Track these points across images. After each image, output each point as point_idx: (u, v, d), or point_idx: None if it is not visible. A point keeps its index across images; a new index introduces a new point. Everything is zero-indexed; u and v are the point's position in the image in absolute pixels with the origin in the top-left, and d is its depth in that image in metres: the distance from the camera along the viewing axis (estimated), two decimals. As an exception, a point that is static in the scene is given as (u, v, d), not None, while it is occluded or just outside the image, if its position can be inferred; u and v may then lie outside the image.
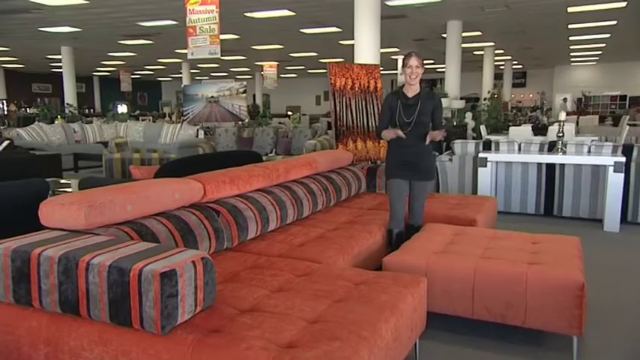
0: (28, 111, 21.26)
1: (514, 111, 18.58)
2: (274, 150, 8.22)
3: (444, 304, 2.77)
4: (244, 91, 11.97)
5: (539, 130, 9.26)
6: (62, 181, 4.46)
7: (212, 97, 12.10)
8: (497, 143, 5.97)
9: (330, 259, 2.88)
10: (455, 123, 11.25)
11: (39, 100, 25.45)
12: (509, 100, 19.77)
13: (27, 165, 7.20)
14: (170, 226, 2.57)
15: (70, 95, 16.92)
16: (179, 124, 10.83)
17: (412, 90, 3.51)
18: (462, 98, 12.90)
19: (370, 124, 5.94)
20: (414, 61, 3.42)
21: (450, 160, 6.07)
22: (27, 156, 7.36)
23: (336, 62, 5.79)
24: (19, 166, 7.04)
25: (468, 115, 11.94)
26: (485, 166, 5.58)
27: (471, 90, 20.28)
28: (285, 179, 3.79)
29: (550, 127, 8.48)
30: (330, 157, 4.54)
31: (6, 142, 7.22)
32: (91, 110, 25.50)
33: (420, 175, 3.56)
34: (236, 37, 14.21)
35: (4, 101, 24.53)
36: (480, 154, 5.61)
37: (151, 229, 2.46)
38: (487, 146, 6.01)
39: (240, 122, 11.79)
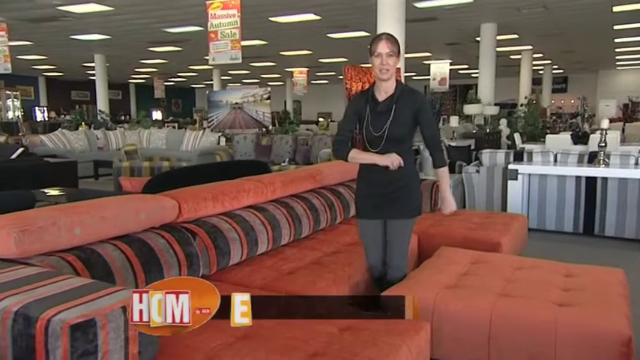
0: (67, 117, 21.71)
1: (553, 117, 17.66)
2: (288, 159, 7.84)
3: (454, 353, 2.31)
4: (268, 98, 11.70)
5: (580, 138, 8.56)
6: (52, 192, 4.22)
7: (236, 103, 11.89)
8: (530, 153, 5.41)
9: (321, 291, 2.46)
10: (488, 130, 10.63)
11: (77, 106, 26.06)
12: (548, 106, 18.83)
13: (41, 172, 7.07)
14: (129, 253, 2.21)
15: (102, 102, 17.12)
16: (201, 131, 10.63)
17: (384, 90, 2.45)
18: (497, 104, 12.25)
19: (390, 132, 5.49)
20: (383, 47, 2.35)
21: (477, 171, 5.55)
22: (41, 163, 7.25)
23: (352, 65, 5.38)
24: (33, 173, 6.91)
25: (503, 121, 11.29)
26: (516, 178, 5.04)
27: (508, 96, 19.43)
28: (282, 194, 3.39)
29: (592, 136, 7.80)
30: (339, 169, 4.12)
31: (20, 150, 7.13)
32: (127, 117, 25.92)
33: (396, 211, 2.57)
34: (263, 42, 13.98)
35: (45, 108, 25.25)
36: (510, 166, 5.08)
37: (103, 257, 2.10)
38: (519, 156, 5.46)
39: (263, 129, 11.52)
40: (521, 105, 13.76)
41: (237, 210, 2.99)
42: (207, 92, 12.92)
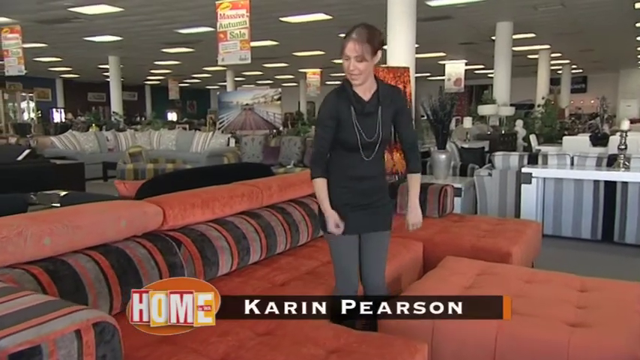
0: (81, 119, 21.90)
1: (572, 119, 17.23)
2: (297, 161, 7.68)
3: (455, 375, 2.11)
4: (279, 98, 11.56)
5: (599, 140, 8.25)
6: (45, 195, 4.12)
7: (247, 104, 11.78)
8: (545, 156, 5.17)
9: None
10: (503, 132, 10.34)
11: (94, 108, 26.30)
12: (566, 107, 18.37)
13: (47, 174, 7.01)
14: (105, 264, 2.07)
15: (116, 104, 17.18)
16: (211, 132, 10.54)
17: (368, 89, 2.12)
18: (513, 105, 11.94)
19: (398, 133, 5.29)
20: (351, 49, 1.99)
21: (490, 174, 5.32)
22: (47, 165, 7.20)
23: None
24: (39, 175, 6.85)
25: (519, 123, 10.99)
26: (530, 182, 4.81)
27: (525, 97, 19.03)
28: (279, 199, 3.22)
29: (612, 137, 7.50)
30: (342, 173, 3.94)
31: (27, 151, 7.09)
32: (142, 118, 26.06)
33: (378, 223, 2.27)
34: (275, 43, 13.87)
35: (63, 110, 25.53)
36: (524, 169, 4.84)
37: (74, 269, 1.96)
38: (533, 159, 5.22)
39: (274, 130, 11.38)
40: (538, 106, 13.42)
41: (229, 217, 2.83)
42: (217, 93, 12.82)
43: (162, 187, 2.91)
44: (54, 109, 25.11)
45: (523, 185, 4.85)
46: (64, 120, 23.52)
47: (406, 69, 5.57)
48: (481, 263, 2.86)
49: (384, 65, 6.50)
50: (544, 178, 5.02)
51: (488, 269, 2.76)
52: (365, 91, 2.13)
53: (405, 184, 4.21)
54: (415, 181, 2.35)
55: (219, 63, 9.52)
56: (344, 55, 2.03)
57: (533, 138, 9.30)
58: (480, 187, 5.37)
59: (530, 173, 4.83)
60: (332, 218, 2.15)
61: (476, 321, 2.11)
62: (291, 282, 2.57)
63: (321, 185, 2.16)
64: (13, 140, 10.16)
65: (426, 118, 5.84)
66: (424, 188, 4.07)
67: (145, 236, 2.36)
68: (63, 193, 3.84)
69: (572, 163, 5.09)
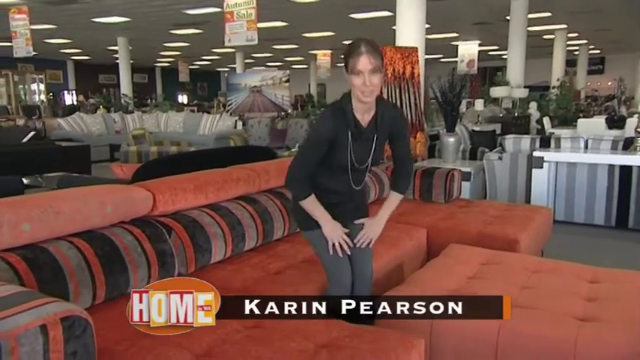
0: (91, 101, 21.92)
1: (588, 101, 16.82)
2: (298, 145, 7.54)
3: (455, 371, 2.01)
4: (287, 80, 11.40)
5: (616, 122, 8.00)
6: (41, 179, 4.06)
7: (255, 86, 11.64)
8: (557, 139, 4.98)
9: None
10: (516, 114, 10.09)
11: (104, 90, 26.30)
12: (582, 89, 17.92)
13: (52, 156, 6.98)
14: (88, 251, 1.97)
15: (125, 86, 17.10)
16: (218, 115, 10.43)
17: (366, 111, 2.00)
18: (528, 87, 11.63)
19: (406, 115, 5.14)
20: (366, 63, 1.87)
21: (500, 158, 5.15)
22: (53, 147, 7.16)
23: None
24: (44, 157, 6.82)
25: (533, 105, 10.70)
26: (542, 167, 4.64)
27: (540, 78, 18.60)
28: (277, 184, 3.10)
29: (629, 120, 7.25)
30: (345, 156, 3.81)
31: (32, 133, 7.05)
32: (153, 100, 26.00)
33: (360, 213, 2.22)
34: (284, 24, 13.63)
35: (74, 92, 25.55)
36: (536, 153, 4.67)
37: (54, 257, 1.87)
38: (546, 142, 5.04)
39: (282, 113, 11.25)
40: (553, 87, 13.08)
41: (224, 202, 2.72)
42: (225, 75, 12.68)
43: (160, 171, 2.81)
44: (65, 91, 25.12)
45: (534, 170, 4.69)
46: (75, 102, 23.54)
47: (414, 49, 5.38)
48: (486, 251, 2.73)
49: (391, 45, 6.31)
50: (556, 162, 4.85)
51: (494, 258, 2.64)
52: (364, 113, 2.00)
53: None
54: (395, 199, 2.23)
55: (226, 44, 9.37)
56: (355, 71, 1.89)
57: (546, 120, 9.06)
58: (490, 172, 5.21)
59: (542, 157, 4.66)
60: (337, 229, 2.06)
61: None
62: (286, 270, 2.47)
63: (313, 202, 2.04)
64: (21, 122, 10.15)
65: (435, 100, 5.67)
66: (430, 173, 3.94)
67: (133, 222, 2.27)
68: (60, 177, 3.77)
69: (586, 147, 4.90)
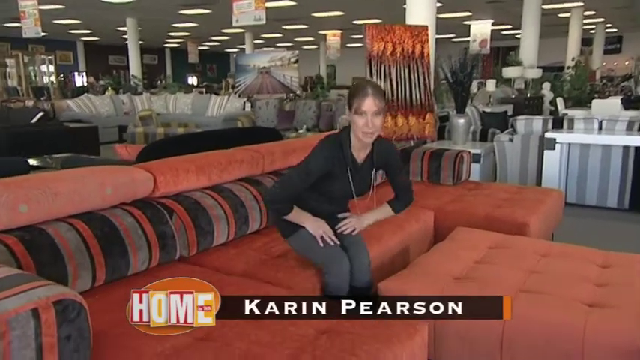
0: (100, 82, 21.92)
1: (603, 81, 16.46)
2: (305, 126, 7.47)
3: (459, 355, 1.97)
4: (296, 61, 11.28)
5: (632, 102, 7.81)
6: (48, 160, 4.05)
7: (263, 67, 11.53)
8: (571, 120, 4.86)
9: (309, 280, 2.15)
10: (528, 95, 9.90)
11: (114, 71, 26.26)
12: (597, 68, 17.52)
13: (61, 137, 7.00)
14: (87, 233, 1.95)
15: (135, 67, 17.04)
16: (226, 96, 10.37)
17: (364, 149, 2.09)
18: (541, 67, 11.39)
19: (414, 96, 5.04)
20: (370, 105, 1.93)
21: (511, 140, 5.04)
22: (61, 128, 7.17)
23: (374, 23, 4.91)
24: (52, 138, 6.84)
25: (546, 85, 10.49)
26: (553, 148, 4.54)
27: (554, 59, 18.21)
28: (282, 166, 3.06)
29: (645, 100, 7.07)
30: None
31: (40, 114, 7.04)
32: (163, 82, 25.92)
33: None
34: (293, 3, 13.43)
35: (85, 73, 25.56)
36: (547, 135, 4.56)
37: (53, 239, 1.85)
38: (558, 124, 4.92)
39: (290, 94, 11.15)
40: (568, 67, 12.80)
41: (227, 183, 2.69)
42: (234, 56, 12.58)
43: (164, 152, 2.78)
44: (76, 73, 25.12)
45: (546, 151, 4.59)
46: (85, 83, 23.56)
47: (424, 28, 5.25)
48: (494, 235, 2.67)
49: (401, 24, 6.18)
50: (569, 144, 4.74)
51: (502, 242, 2.58)
52: (360, 151, 2.09)
53: (417, 151, 4.01)
54: (387, 212, 2.31)
55: (234, 24, 9.24)
56: (359, 111, 1.95)
57: (560, 101, 8.88)
58: (500, 153, 5.11)
59: (554, 139, 4.55)
60: (320, 223, 2.11)
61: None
62: (287, 253, 2.42)
63: (295, 212, 2.11)
64: (30, 103, 10.17)
65: (445, 80, 5.56)
66: (439, 155, 3.86)
67: (134, 204, 2.24)
68: (64, 158, 3.75)
69: (600, 128, 4.78)
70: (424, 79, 5.09)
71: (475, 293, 1.98)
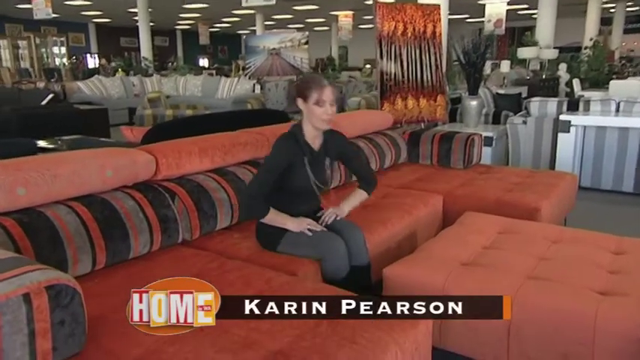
0: (112, 65, 21.91)
1: (622, 62, 16.04)
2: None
3: (464, 345, 1.92)
4: (306, 42, 11.13)
5: (651, 84, 7.57)
6: (57, 141, 4.02)
7: (274, 48, 11.40)
8: (587, 102, 4.73)
9: (312, 266, 2.11)
10: (544, 76, 9.67)
11: (126, 53, 26.21)
12: (616, 49, 17.06)
13: (71, 119, 7.00)
14: (87, 216, 1.92)
15: (145, 49, 16.96)
16: (236, 78, 10.29)
17: (317, 137, 2.23)
18: (558, 48, 11.11)
19: (425, 77, 4.94)
20: (328, 94, 2.11)
21: (524, 122, 4.92)
22: (71, 110, 7.16)
23: (384, 2, 4.78)
24: (62, 120, 6.84)
25: (562, 66, 10.24)
26: (568, 131, 4.42)
27: (571, 39, 17.77)
28: (288, 148, 3.01)
29: (665, 82, 6.86)
30: (360, 120, 3.69)
31: (50, 96, 7.04)
32: (173, 64, 25.84)
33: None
34: (303, -17, 13.26)
35: (97, 55, 25.56)
36: (562, 117, 4.44)
37: (52, 222, 1.82)
38: (574, 105, 4.79)
39: (301, 76, 11.03)
40: (585, 48, 12.48)
41: (231, 166, 2.64)
42: (244, 37, 12.45)
43: (170, 134, 2.74)
44: (88, 55, 25.13)
45: (560, 134, 4.47)
46: (97, 65, 23.57)
47: (436, 7, 5.11)
48: (504, 220, 2.60)
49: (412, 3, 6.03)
50: (584, 127, 4.61)
51: (512, 227, 2.51)
52: (314, 139, 2.22)
53: (427, 133, 3.93)
54: (361, 195, 2.43)
55: (244, 4, 9.14)
56: (319, 101, 2.10)
57: (576, 82, 8.66)
58: (513, 136, 5.00)
59: (569, 121, 4.43)
60: (301, 220, 2.13)
61: (490, 284, 1.89)
62: (293, 237, 2.38)
63: (274, 214, 2.14)
64: (41, 85, 10.19)
65: (457, 62, 5.43)
66: (449, 137, 3.78)
67: (135, 187, 2.21)
68: (71, 140, 3.73)
69: (617, 110, 4.64)
70: (435, 60, 4.98)
71: (481, 279, 1.93)
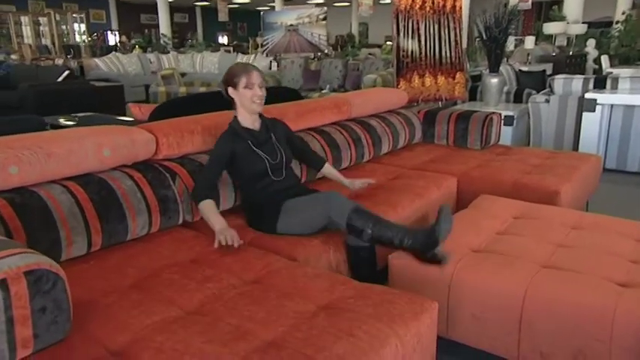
0: (131, 42, 21.89)
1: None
2: (329, 86, 7.20)
3: (473, 336, 1.82)
4: (324, 18, 10.88)
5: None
6: (62, 120, 3.98)
7: (291, 25, 11.19)
8: (615, 79, 4.49)
9: (313, 250, 2.03)
10: (571, 53, 9.30)
11: (146, 30, 26.15)
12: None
13: (86, 96, 7.00)
14: (83, 196, 1.86)
15: (164, 26, 16.88)
16: (253, 55, 10.15)
17: (253, 121, 2.30)
18: (587, 23, 10.64)
19: (444, 53, 4.75)
20: (256, 76, 2.19)
21: (547, 101, 4.71)
22: (87, 87, 7.16)
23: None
24: (78, 97, 6.84)
25: (590, 42, 9.81)
26: (594, 110, 4.21)
27: (602, 14, 17.06)
28: (295, 128, 2.88)
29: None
30: (374, 98, 3.55)
31: (66, 73, 7.03)
32: (193, 40, 25.69)
33: (297, 189, 2.33)
34: (323, -44, 12.92)
35: (117, 32, 25.58)
36: (587, 95, 4.23)
37: (45, 202, 1.77)
38: (601, 83, 4.56)
39: (319, 53, 10.84)
40: (617, 23, 11.94)
41: (235, 145, 2.55)
42: (262, 13, 12.25)
43: (177, 112, 2.67)
44: (108, 32, 25.15)
45: (585, 113, 4.26)
46: (118, 42, 23.59)
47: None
48: (521, 204, 2.47)
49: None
50: (611, 105, 4.39)
51: (529, 211, 2.38)
52: (254, 122, 2.29)
53: (444, 112, 3.77)
54: (330, 169, 2.64)
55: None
56: (248, 84, 2.19)
57: (604, 59, 8.30)
58: (535, 116, 4.80)
59: (595, 99, 4.21)
60: (229, 230, 1.98)
61: (502, 273, 1.78)
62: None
63: (208, 206, 2.10)
64: (60, 62, 10.21)
65: (479, 38, 5.21)
66: (466, 117, 3.62)
67: (135, 166, 2.15)
68: (80, 117, 3.69)
69: (647, 88, 4.41)
70: (455, 36, 4.78)
71: (493, 267, 1.82)
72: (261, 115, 2.34)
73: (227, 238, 1.92)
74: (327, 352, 1.31)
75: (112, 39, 24.10)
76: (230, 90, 2.24)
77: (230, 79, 2.23)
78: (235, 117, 2.29)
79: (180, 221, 2.19)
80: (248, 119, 2.28)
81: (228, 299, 1.57)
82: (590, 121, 4.26)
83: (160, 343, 1.34)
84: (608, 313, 1.60)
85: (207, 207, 2.09)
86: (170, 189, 2.15)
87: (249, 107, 2.23)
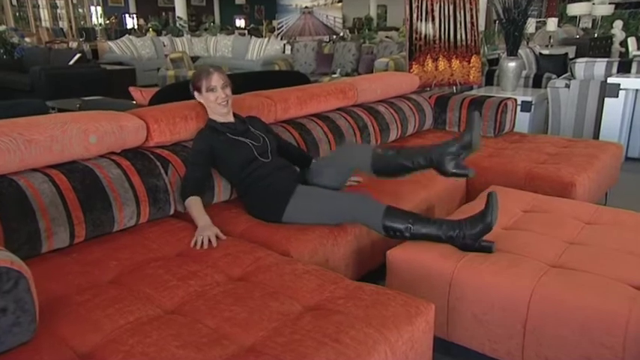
0: (148, 26, 21.83)
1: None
2: (340, 70, 7.02)
3: (474, 339, 1.71)
4: (340, 0, 10.66)
5: None
6: (65, 104, 3.92)
7: (306, 7, 10.99)
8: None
9: (309, 245, 1.92)
10: (596, 35, 8.93)
11: (163, 13, 26.08)
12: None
13: (98, 79, 6.96)
14: (65, 185, 1.79)
15: (180, 9, 16.75)
16: (266, 39, 10.00)
17: (228, 114, 2.24)
18: (613, 4, 10.20)
19: (459, 36, 4.55)
20: (217, 79, 2.15)
21: (567, 85, 4.49)
22: (98, 70, 7.11)
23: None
24: (89, 80, 6.81)
25: (617, 23, 9.40)
26: (617, 95, 3.99)
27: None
28: (297, 114, 2.79)
29: None
30: (381, 82, 3.40)
31: (77, 56, 6.99)
32: (212, 23, 25.52)
33: (289, 173, 2.29)
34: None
35: (135, 15, 25.56)
36: (610, 79, 4.01)
37: (24, 191, 1.69)
38: (625, 67, 4.32)
39: (334, 36, 10.64)
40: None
41: (232, 132, 2.45)
42: (277, -5, 12.07)
43: (179, 96, 2.57)
44: (126, 15, 25.14)
45: (607, 99, 4.04)
46: (135, 26, 23.57)
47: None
48: (532, 196, 2.33)
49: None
50: (636, 90, 4.16)
51: (541, 204, 2.24)
52: (226, 116, 2.23)
53: (456, 98, 3.61)
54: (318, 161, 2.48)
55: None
56: (209, 88, 2.16)
57: (631, 41, 7.94)
58: (554, 101, 4.58)
59: (618, 84, 3.99)
60: (211, 228, 1.90)
61: (507, 273, 1.66)
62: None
63: (193, 202, 2.03)
64: (74, 45, 10.20)
65: (497, 20, 4.99)
66: (480, 102, 3.46)
67: (123, 154, 2.06)
68: (82, 102, 3.62)
69: (675, 73, 4.17)
70: (471, 17, 4.57)
71: (497, 267, 1.70)
72: (235, 115, 2.29)
73: (204, 240, 1.83)
74: (307, 359, 1.21)
75: (130, 22, 24.10)
76: (196, 94, 2.23)
77: (194, 84, 2.22)
78: (209, 117, 2.25)
79: (172, 212, 2.11)
80: (222, 116, 2.24)
81: (210, 297, 1.48)
82: (613, 108, 4.04)
83: (131, 346, 1.26)
84: (621, 318, 1.46)
85: (192, 204, 2.02)
86: (161, 178, 2.06)
87: (215, 110, 2.21)
